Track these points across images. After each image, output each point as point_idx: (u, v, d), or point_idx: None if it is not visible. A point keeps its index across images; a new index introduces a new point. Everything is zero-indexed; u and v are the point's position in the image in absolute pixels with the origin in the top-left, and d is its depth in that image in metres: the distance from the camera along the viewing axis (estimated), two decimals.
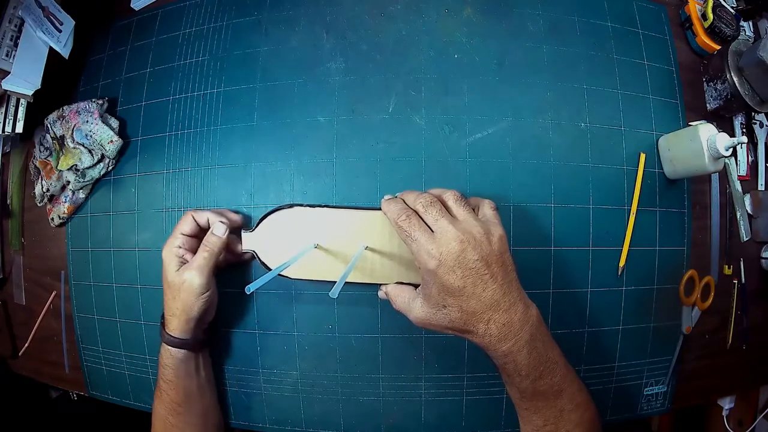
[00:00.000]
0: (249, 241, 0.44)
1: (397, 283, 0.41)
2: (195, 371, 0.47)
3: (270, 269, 0.43)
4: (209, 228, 0.45)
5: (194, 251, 0.44)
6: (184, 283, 0.43)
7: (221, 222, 0.44)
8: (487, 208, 0.38)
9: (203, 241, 0.44)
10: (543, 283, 0.49)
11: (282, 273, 0.43)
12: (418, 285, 0.39)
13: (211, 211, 0.46)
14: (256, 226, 0.44)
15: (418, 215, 0.36)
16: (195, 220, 0.45)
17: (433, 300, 0.35)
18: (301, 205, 0.43)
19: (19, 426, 0.70)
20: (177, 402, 0.46)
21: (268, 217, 0.44)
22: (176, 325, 0.44)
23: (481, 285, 0.34)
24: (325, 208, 0.43)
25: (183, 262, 0.44)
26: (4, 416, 0.69)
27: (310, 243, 0.43)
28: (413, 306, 0.38)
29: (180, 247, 0.44)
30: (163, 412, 0.46)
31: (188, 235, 0.45)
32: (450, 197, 0.37)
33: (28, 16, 0.52)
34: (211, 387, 0.50)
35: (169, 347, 0.45)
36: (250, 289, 0.34)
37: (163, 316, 0.46)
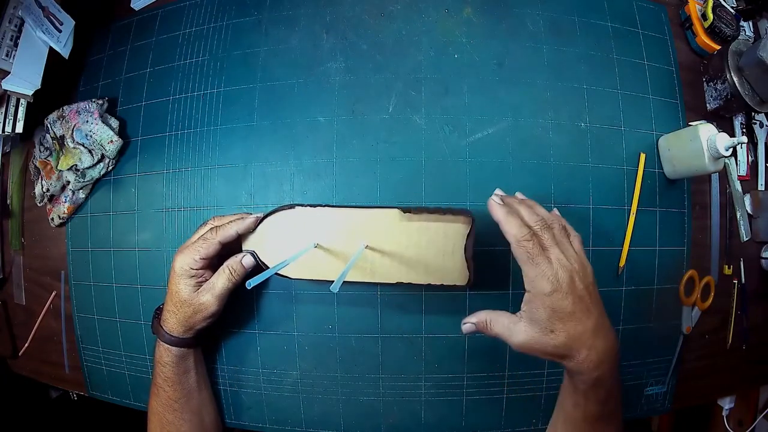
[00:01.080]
0: (249, 242, 0.44)
1: (491, 311, 0.40)
2: (193, 367, 0.47)
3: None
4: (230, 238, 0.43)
5: (211, 265, 0.44)
6: (201, 305, 0.43)
7: (252, 255, 0.44)
8: (576, 242, 0.39)
9: (229, 265, 0.43)
10: None
11: (282, 273, 0.43)
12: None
13: (235, 222, 0.43)
14: (254, 228, 0.44)
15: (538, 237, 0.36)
16: (221, 244, 0.43)
17: (541, 324, 0.35)
18: (302, 205, 0.43)
19: (19, 426, 0.70)
20: (174, 399, 0.46)
21: (269, 218, 0.44)
22: (177, 326, 0.44)
23: (587, 312, 0.35)
24: (326, 208, 0.43)
25: (200, 282, 0.43)
26: (4, 416, 0.69)
27: (310, 242, 0.43)
28: (515, 330, 0.37)
29: (200, 269, 0.43)
30: (160, 410, 0.46)
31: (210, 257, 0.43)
32: (556, 224, 0.38)
33: (28, 16, 0.52)
34: (206, 381, 0.50)
35: (169, 346, 0.44)
36: (250, 284, 0.35)
37: (158, 312, 0.46)
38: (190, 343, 0.45)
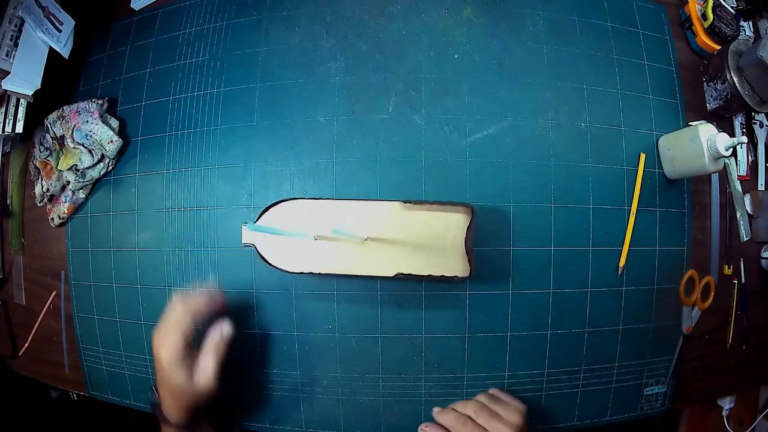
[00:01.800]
0: (249, 235, 0.44)
1: None
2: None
3: (269, 263, 0.43)
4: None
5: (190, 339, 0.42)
6: (201, 391, 0.42)
7: (229, 325, 0.43)
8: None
9: (213, 344, 0.43)
10: (543, 283, 0.49)
11: (282, 267, 0.43)
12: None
13: (204, 299, 0.43)
14: (257, 219, 0.44)
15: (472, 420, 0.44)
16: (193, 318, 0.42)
17: None
18: (304, 198, 0.44)
19: (19, 426, 0.70)
20: None
21: (270, 210, 0.44)
22: (183, 414, 0.42)
23: None
24: (327, 200, 0.44)
25: (189, 363, 0.41)
26: (4, 416, 0.69)
27: (311, 233, 0.43)
28: None
29: (184, 349, 0.41)
30: None
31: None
32: (483, 399, 0.46)
33: (28, 16, 0.52)
34: None
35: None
36: (249, 228, 0.36)
37: (155, 400, 0.44)
38: (200, 420, 0.44)
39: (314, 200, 0.44)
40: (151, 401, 0.45)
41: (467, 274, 0.43)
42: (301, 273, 0.44)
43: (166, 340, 0.41)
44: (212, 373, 0.42)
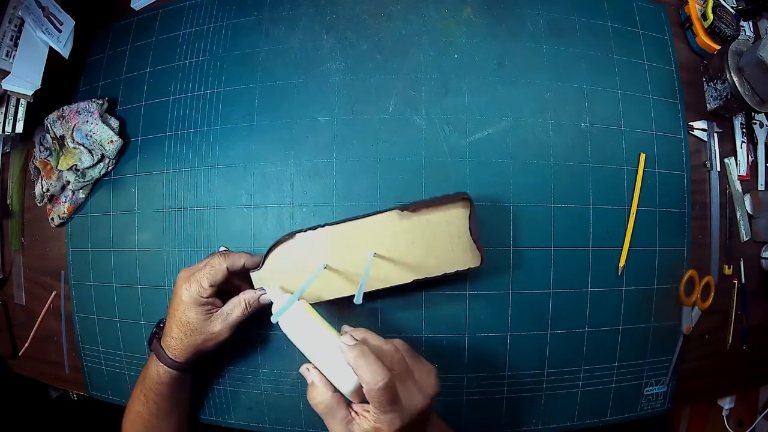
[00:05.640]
0: (259, 280, 0.44)
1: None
2: (188, 382, 0.48)
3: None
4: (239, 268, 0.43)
5: (219, 293, 0.43)
6: (213, 333, 0.43)
7: (271, 290, 0.43)
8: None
9: (245, 299, 0.43)
10: (543, 283, 0.49)
11: (301, 298, 0.42)
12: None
13: (245, 254, 0.44)
14: (262, 264, 0.44)
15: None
16: (229, 270, 0.43)
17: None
18: (302, 231, 0.43)
19: (19, 426, 0.70)
20: (167, 412, 0.46)
21: (272, 252, 0.43)
22: (183, 353, 0.43)
23: None
24: (325, 228, 0.43)
25: (209, 310, 0.43)
26: (4, 416, 0.69)
27: (319, 264, 0.43)
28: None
29: (209, 297, 0.42)
30: (147, 417, 0.46)
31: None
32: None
33: (28, 16, 0.52)
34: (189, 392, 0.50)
35: (169, 369, 0.44)
36: (275, 318, 0.35)
37: (158, 332, 0.46)
38: (191, 367, 0.45)
39: (312, 231, 0.43)
40: (153, 332, 0.47)
41: (479, 263, 0.43)
42: (320, 302, 0.44)
43: (193, 281, 0.42)
44: (231, 323, 0.43)
